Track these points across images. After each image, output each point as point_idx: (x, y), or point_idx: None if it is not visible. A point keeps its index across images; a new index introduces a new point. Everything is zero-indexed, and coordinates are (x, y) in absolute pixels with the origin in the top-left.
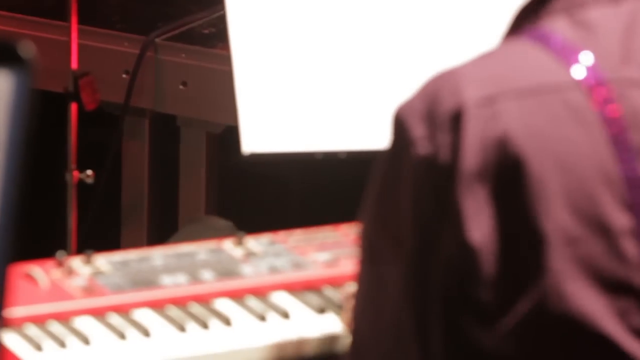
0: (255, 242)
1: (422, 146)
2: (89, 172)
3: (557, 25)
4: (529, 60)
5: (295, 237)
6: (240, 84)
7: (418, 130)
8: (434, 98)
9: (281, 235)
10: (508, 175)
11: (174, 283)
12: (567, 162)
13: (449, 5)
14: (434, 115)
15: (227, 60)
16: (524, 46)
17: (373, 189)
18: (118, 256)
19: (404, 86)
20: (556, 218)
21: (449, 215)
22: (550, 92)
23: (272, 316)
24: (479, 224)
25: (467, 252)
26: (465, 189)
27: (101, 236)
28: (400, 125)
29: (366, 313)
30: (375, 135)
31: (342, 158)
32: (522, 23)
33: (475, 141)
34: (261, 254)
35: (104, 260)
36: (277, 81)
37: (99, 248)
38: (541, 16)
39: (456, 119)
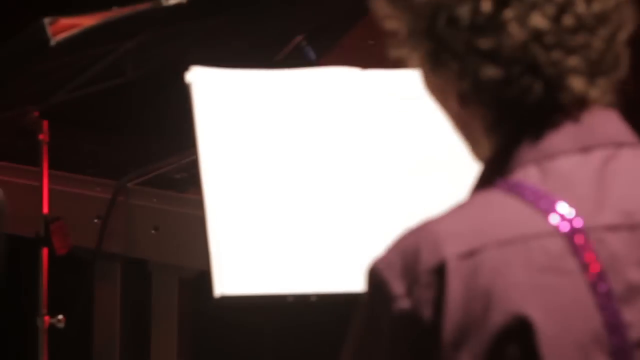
0: None
1: (402, 303)
2: (60, 316)
3: (528, 176)
4: (506, 211)
5: None
6: (212, 227)
7: (397, 286)
8: (412, 254)
9: None
10: (496, 329)
11: None
12: (552, 311)
13: (419, 153)
14: (414, 271)
15: (199, 204)
16: (499, 197)
17: (351, 345)
18: None
19: (374, 230)
20: None
21: None
22: (530, 241)
23: None
24: None
25: None
26: (449, 346)
27: None
28: (377, 281)
29: None
30: (345, 278)
31: (314, 301)
32: (493, 175)
33: (458, 296)
34: None
35: None
36: (248, 224)
37: None
38: (512, 168)
39: (438, 275)
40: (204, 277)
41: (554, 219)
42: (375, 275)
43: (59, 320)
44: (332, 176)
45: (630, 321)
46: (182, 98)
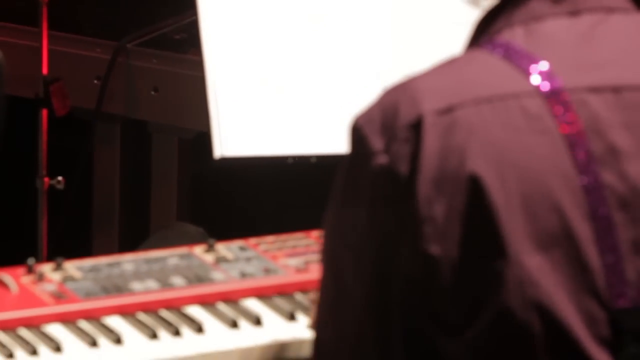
0: (226, 248)
1: (380, 158)
2: (60, 178)
3: (514, 36)
4: (486, 69)
5: (267, 243)
6: (212, 88)
7: (376, 142)
8: (392, 110)
9: (252, 241)
10: (468, 185)
11: (145, 289)
12: (527, 170)
13: (412, 16)
14: (393, 126)
15: (198, 66)
16: (482, 56)
17: (333, 198)
18: (88, 262)
19: (373, 90)
20: (517, 228)
21: (407, 228)
22: (509, 100)
23: (244, 322)
24: (438, 234)
25: (427, 264)
26: (424, 200)
27: (73, 242)
28: (358, 136)
29: (328, 323)
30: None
31: (314, 162)
32: (481, 35)
33: (434, 151)
34: (232, 259)
35: (74, 267)
36: (249, 85)
37: (70, 254)
38: (499, 29)
39: (415, 130)
40: (203, 137)
41: (534, 79)
42: (355, 131)
43: (59, 182)
44: (334, 36)
45: (609, 183)
46: None
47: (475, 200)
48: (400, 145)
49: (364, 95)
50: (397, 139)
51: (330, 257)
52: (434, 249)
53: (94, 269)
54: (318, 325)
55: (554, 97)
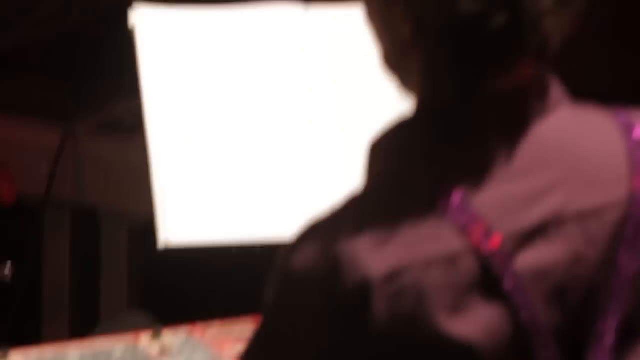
0: (172, 337)
1: (321, 320)
2: (9, 267)
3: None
4: (424, 228)
5: (213, 331)
6: (157, 174)
7: (318, 300)
8: (334, 268)
9: (199, 327)
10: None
11: None
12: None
13: (356, 98)
14: (337, 287)
15: (147, 150)
16: (418, 211)
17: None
18: (34, 353)
19: (314, 179)
20: None
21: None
22: (450, 260)
23: None
24: None
25: None
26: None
27: (22, 332)
28: (297, 290)
29: None
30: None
31: (258, 252)
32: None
33: (383, 318)
34: (177, 350)
35: (20, 357)
36: (194, 172)
37: (19, 343)
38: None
39: (362, 296)
40: (153, 224)
41: (475, 238)
42: (294, 284)
43: (8, 271)
44: (279, 121)
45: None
46: (129, 40)
47: None
48: (347, 308)
49: (305, 183)
50: (343, 301)
51: None
52: None
53: None
54: None
55: (493, 256)
